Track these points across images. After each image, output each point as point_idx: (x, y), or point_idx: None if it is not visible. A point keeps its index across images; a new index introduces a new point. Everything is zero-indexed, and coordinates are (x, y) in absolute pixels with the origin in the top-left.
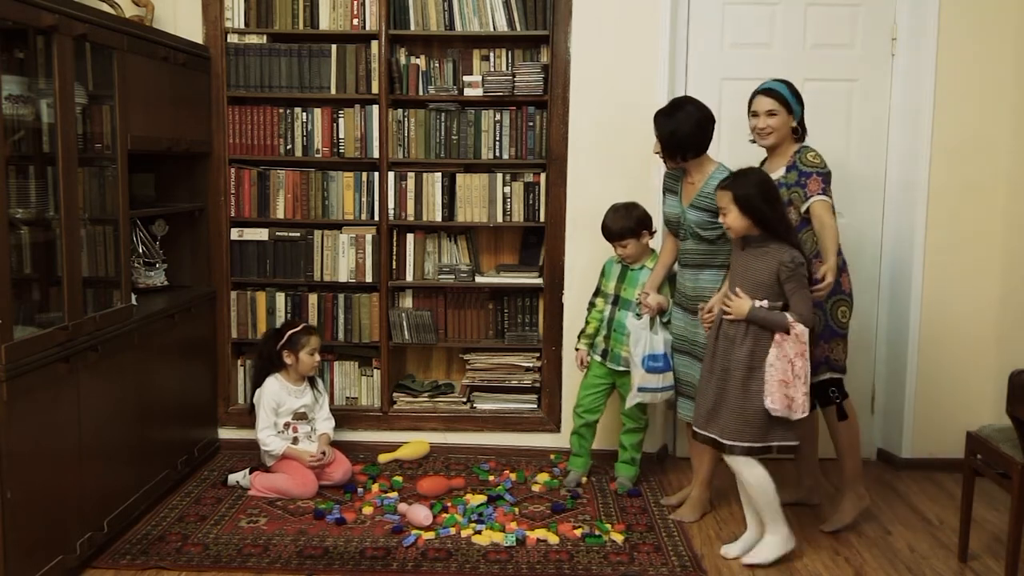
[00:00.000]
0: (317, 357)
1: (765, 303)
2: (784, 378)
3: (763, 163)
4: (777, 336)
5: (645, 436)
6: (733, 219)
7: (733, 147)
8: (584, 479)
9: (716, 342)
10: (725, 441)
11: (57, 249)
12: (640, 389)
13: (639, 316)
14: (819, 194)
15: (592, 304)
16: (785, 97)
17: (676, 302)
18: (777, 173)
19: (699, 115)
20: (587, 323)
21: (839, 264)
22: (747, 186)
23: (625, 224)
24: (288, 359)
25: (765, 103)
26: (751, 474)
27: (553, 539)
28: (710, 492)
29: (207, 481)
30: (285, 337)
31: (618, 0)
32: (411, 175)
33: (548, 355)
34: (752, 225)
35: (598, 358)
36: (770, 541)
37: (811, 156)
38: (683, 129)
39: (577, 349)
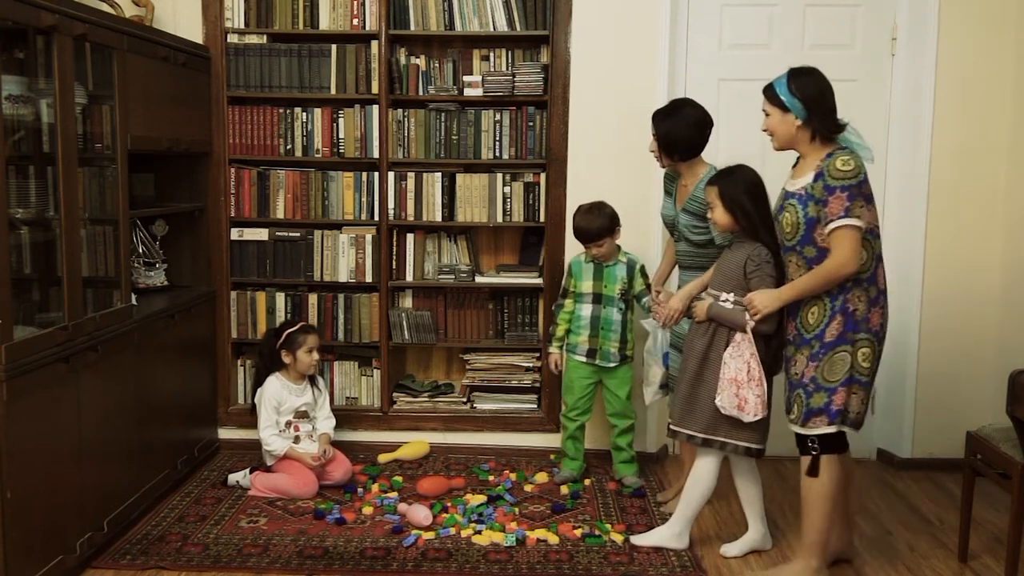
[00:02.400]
0: (315, 355)
1: (731, 296)
2: (736, 377)
3: (794, 166)
4: (737, 335)
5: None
6: (719, 215)
7: (731, 148)
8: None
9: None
10: (671, 427)
11: (57, 249)
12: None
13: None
14: (840, 216)
15: (560, 305)
16: (777, 94)
17: None
18: (802, 182)
19: (696, 117)
20: (556, 325)
21: (869, 301)
22: (734, 183)
23: (601, 223)
24: (286, 358)
25: (763, 102)
26: (702, 464)
27: (553, 539)
28: None
29: (207, 481)
30: (283, 336)
31: (618, 0)
32: (411, 175)
33: (548, 355)
34: (736, 222)
35: (582, 359)
36: (669, 534)
37: (839, 163)
38: (678, 130)
39: (550, 352)
